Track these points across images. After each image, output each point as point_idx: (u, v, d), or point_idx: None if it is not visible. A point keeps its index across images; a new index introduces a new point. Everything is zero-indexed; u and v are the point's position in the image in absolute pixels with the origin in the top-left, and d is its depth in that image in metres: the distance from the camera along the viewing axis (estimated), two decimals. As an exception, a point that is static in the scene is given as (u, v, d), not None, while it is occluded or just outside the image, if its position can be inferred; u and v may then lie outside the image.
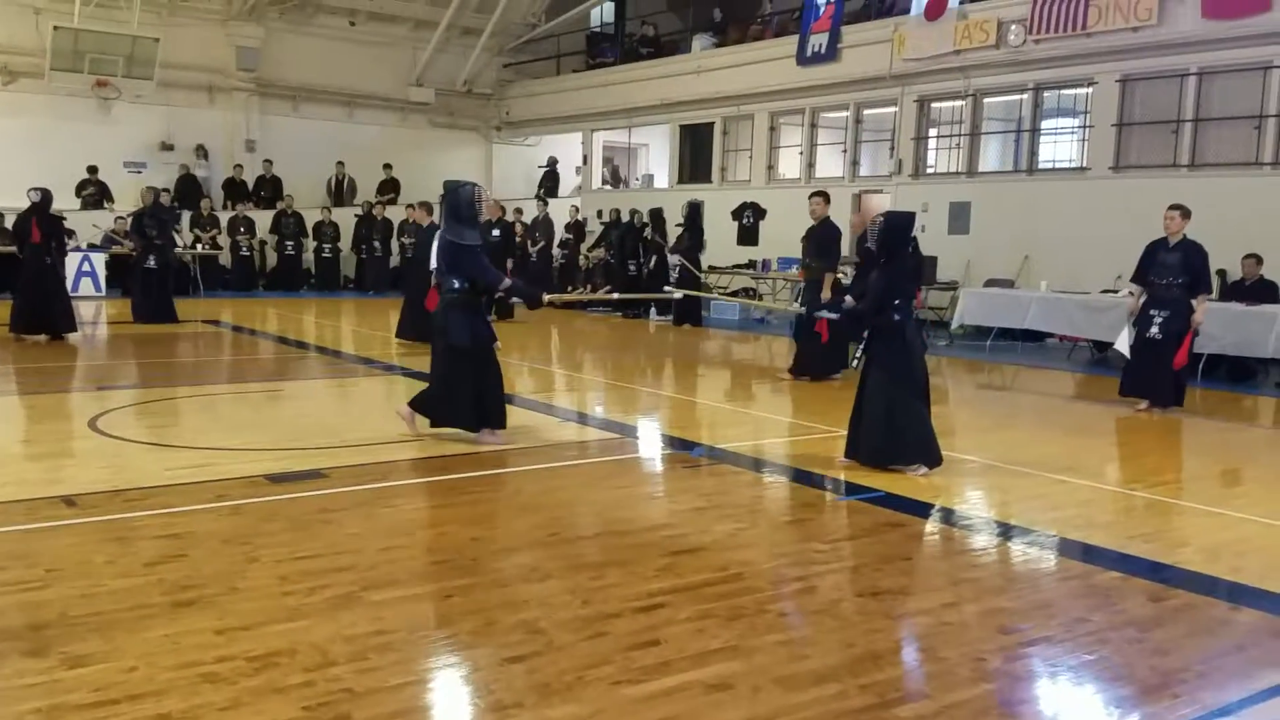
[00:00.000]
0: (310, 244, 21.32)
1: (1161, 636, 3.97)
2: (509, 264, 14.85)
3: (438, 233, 7.38)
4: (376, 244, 21.55)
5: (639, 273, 17.82)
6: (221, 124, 21.71)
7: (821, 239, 10.47)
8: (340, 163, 22.70)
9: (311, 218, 21.25)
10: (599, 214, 21.11)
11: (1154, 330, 9.03)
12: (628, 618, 3.95)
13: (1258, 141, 12.78)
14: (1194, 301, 8.87)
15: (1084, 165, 14.75)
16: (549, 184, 23.82)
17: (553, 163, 24.17)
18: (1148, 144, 13.99)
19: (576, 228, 20.84)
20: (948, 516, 5.78)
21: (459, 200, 6.96)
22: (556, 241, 20.70)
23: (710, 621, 3.94)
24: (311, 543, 4.81)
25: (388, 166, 23.05)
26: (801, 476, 6.62)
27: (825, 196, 10.80)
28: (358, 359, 11.85)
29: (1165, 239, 9.06)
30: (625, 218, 18.60)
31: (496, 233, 15.43)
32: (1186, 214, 9.00)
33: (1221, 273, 11.73)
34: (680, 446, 7.51)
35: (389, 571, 4.44)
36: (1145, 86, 13.97)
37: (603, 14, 25.39)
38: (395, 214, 21.36)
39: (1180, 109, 13.52)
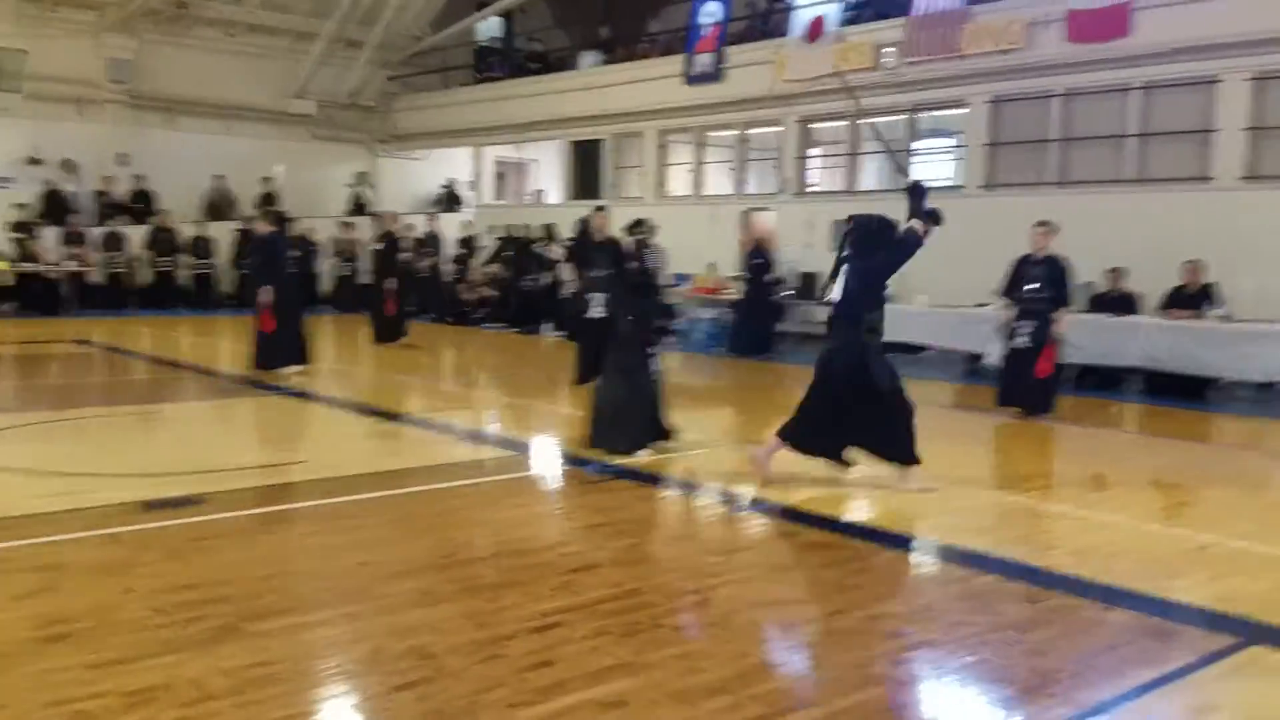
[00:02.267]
0: (186, 260, 20.59)
1: (1038, 638, 4.13)
2: (391, 281, 14.71)
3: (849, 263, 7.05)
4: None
5: (532, 289, 17.75)
6: (92, 137, 20.78)
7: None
8: (218, 176, 22.00)
9: (187, 233, 20.53)
10: (490, 230, 20.98)
11: (1022, 341, 9.44)
12: (522, 639, 3.91)
13: (1118, 160, 13.47)
14: (1055, 314, 9.31)
15: (958, 184, 15.31)
16: (450, 203, 23.57)
17: (451, 183, 23.93)
18: (1017, 163, 14.60)
19: (468, 243, 20.65)
20: (836, 525, 5.90)
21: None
22: (448, 257, 20.46)
23: (605, 639, 3.93)
24: (189, 572, 4.63)
25: (267, 179, 22.42)
26: (697, 489, 6.68)
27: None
28: (238, 379, 11.47)
29: (1031, 254, 9.48)
30: (519, 233, 18.58)
31: (379, 245, 15.26)
32: (1052, 230, 9.45)
33: (1088, 285, 12.30)
34: (577, 463, 7.49)
35: (271, 601, 4.30)
36: (1014, 107, 14.59)
37: (489, 29, 25.27)
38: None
39: (1047, 129, 14.16)
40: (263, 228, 11.91)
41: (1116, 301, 11.75)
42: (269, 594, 4.39)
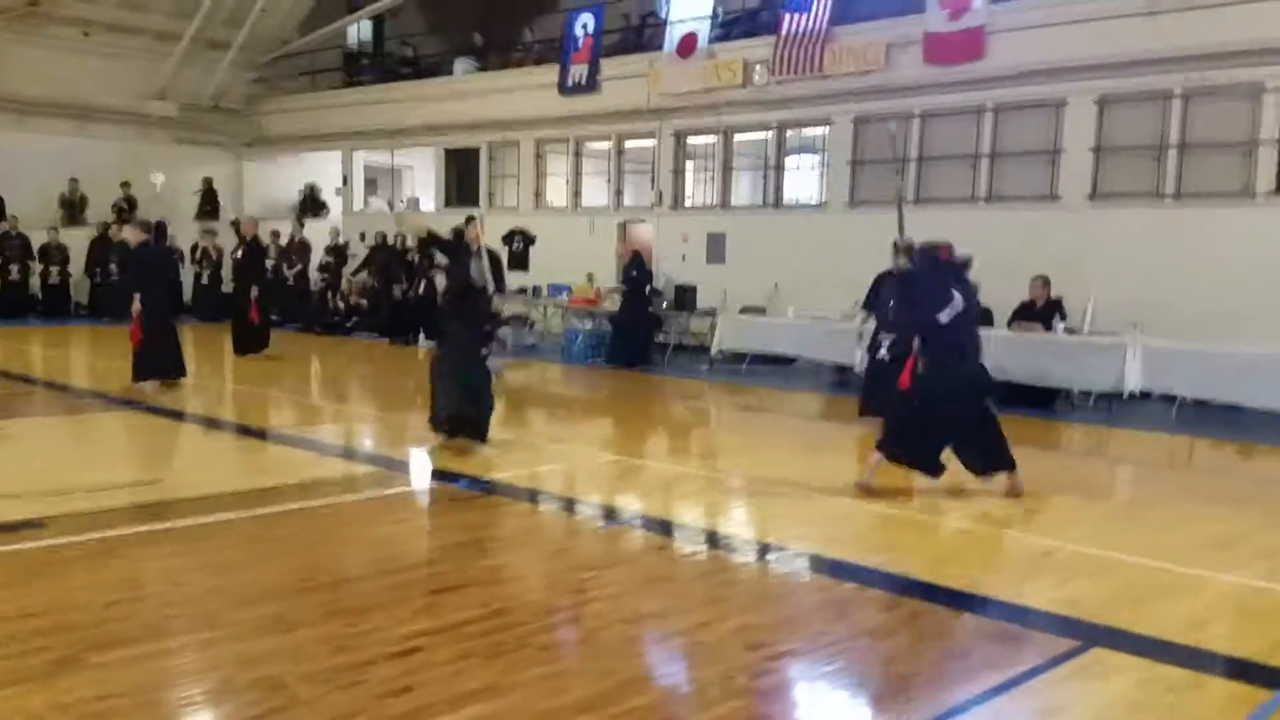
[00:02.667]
0: (37, 268, 19.52)
1: (894, 644, 4.27)
2: (254, 289, 14.28)
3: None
4: (113, 267, 19.98)
5: (404, 297, 17.45)
6: (-68, 139, 19.53)
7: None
8: (73, 180, 20.94)
9: (38, 240, 19.47)
10: (361, 236, 20.54)
11: (883, 354, 9.73)
12: (383, 664, 3.83)
13: (973, 179, 14.08)
14: None
15: (823, 200, 15.75)
16: (311, 208, 22.96)
17: (310, 188, 23.32)
18: (878, 180, 15.09)
19: (338, 251, 20.17)
20: (706, 537, 5.98)
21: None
22: (316, 265, 19.95)
23: (470, 661, 3.89)
24: (30, 600, 4.38)
25: (125, 184, 21.46)
26: (569, 505, 6.67)
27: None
28: (91, 394, 10.93)
29: (892, 269, 9.81)
30: (391, 240, 18.24)
31: (241, 252, 14.82)
32: (908, 247, 9.76)
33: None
34: (447, 479, 7.38)
35: (116, 629, 4.11)
36: (875, 127, 15.09)
37: (360, 32, 24.79)
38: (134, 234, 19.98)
39: (906, 148, 14.68)
40: (134, 236, 11.52)
41: (1047, 311, 12.14)
42: (115, 622, 4.19)
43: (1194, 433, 9.99)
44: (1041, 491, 7.67)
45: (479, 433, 8.11)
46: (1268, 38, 11.28)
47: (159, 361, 10.90)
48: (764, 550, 5.76)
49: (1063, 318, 11.50)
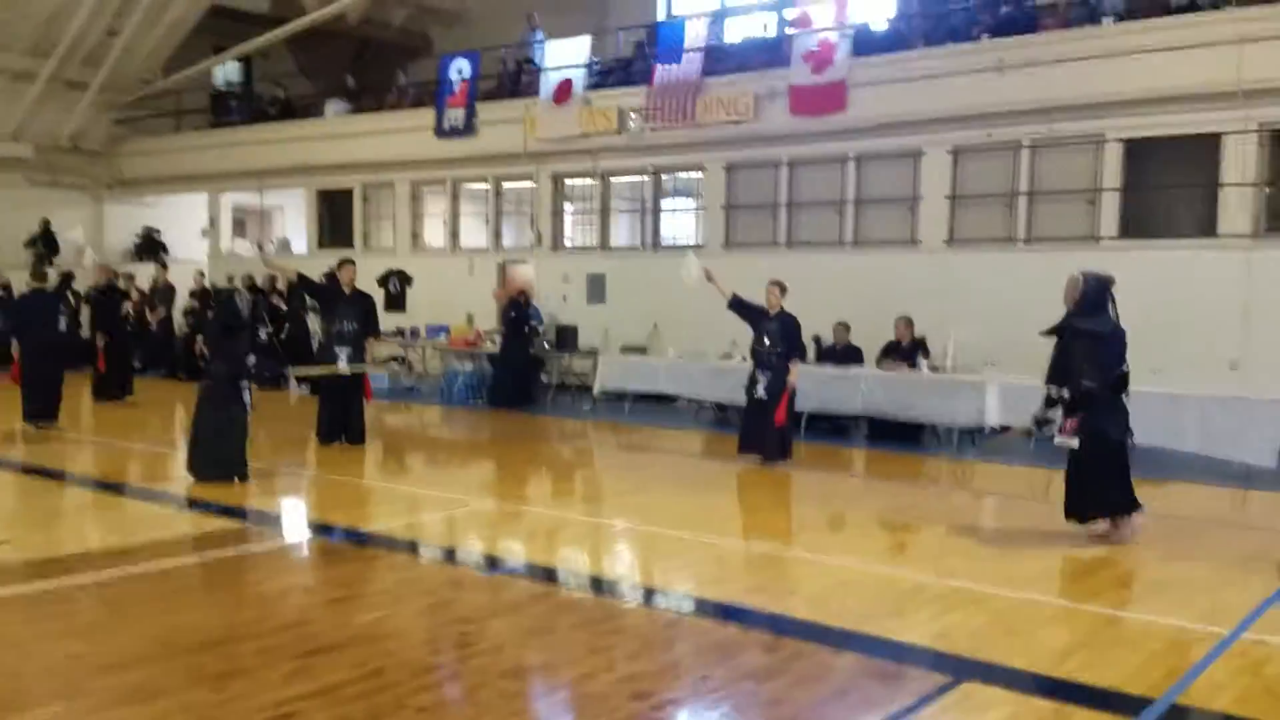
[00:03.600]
0: None
1: (775, 686, 4.33)
2: (100, 337, 14.00)
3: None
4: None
5: (270, 341, 16.90)
6: None
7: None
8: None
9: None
10: (229, 279, 19.86)
11: (760, 392, 9.99)
12: (253, 732, 3.68)
13: (839, 224, 14.58)
14: (789, 365, 9.95)
15: (699, 243, 16.06)
16: (148, 251, 22.07)
17: (148, 231, 22.48)
18: (751, 224, 15.50)
19: (203, 294, 19.44)
20: (590, 584, 5.96)
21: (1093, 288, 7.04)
22: (181, 309, 19.21)
23: (346, 725, 3.77)
24: None
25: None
26: (449, 555, 6.56)
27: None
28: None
29: (766, 310, 10.09)
30: (260, 283, 17.74)
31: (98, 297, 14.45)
32: (784, 289, 10.12)
33: (817, 338, 13.17)
34: (320, 532, 7.17)
35: (-38, 709, 3.84)
36: (747, 173, 15.52)
37: (226, 73, 24.17)
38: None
39: (776, 194, 15.13)
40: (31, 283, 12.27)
41: (843, 353, 12.62)
42: (-42, 702, 3.91)
43: (1050, 465, 10.46)
44: (912, 525, 7.93)
45: (239, 471, 8.42)
46: (1107, 92, 12.06)
47: (42, 407, 11.45)
48: (648, 595, 5.78)
49: (926, 356, 11.97)
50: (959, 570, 6.28)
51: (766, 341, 10.03)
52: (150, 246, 22.55)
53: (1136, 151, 12.36)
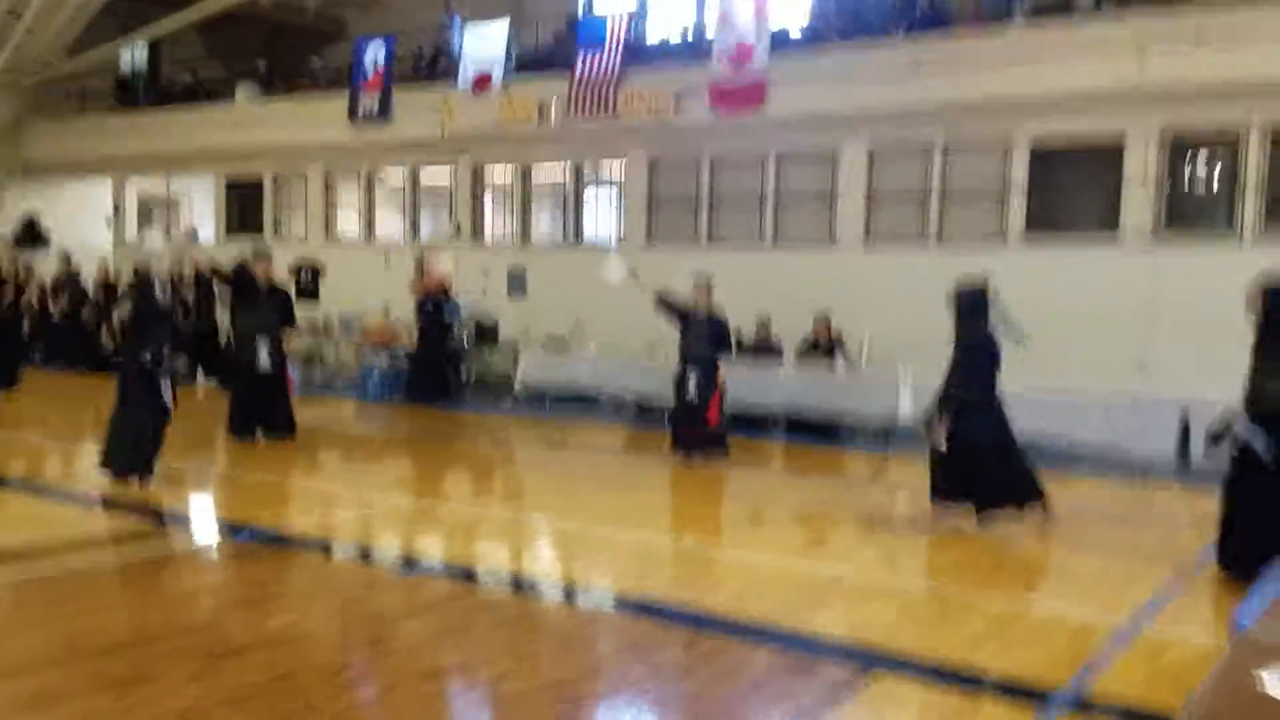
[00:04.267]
0: None
1: (694, 682, 4.35)
2: None
3: None
4: None
5: (179, 333, 16.42)
6: None
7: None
8: None
9: None
10: (135, 271, 19.20)
11: (690, 392, 9.93)
12: (158, 740, 3.56)
13: (760, 222, 14.72)
14: (718, 366, 9.93)
15: (621, 236, 16.05)
16: (29, 239, 21.19)
17: (29, 216, 21.61)
18: (674, 220, 15.54)
19: (110, 288, 18.77)
20: (509, 582, 5.91)
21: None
22: (90, 299, 18.52)
23: (255, 731, 3.67)
24: None
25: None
26: (364, 554, 6.44)
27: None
28: None
29: (694, 310, 10.05)
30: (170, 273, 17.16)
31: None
32: (710, 289, 10.04)
33: (737, 334, 13.26)
34: (229, 532, 6.98)
35: None
36: (669, 169, 15.55)
37: (135, 58, 23.34)
38: None
39: (698, 190, 15.19)
40: None
41: (764, 350, 12.74)
42: None
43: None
44: (829, 519, 8.04)
45: (141, 470, 8.11)
46: (1016, 94, 12.37)
47: None
48: (568, 593, 5.75)
49: (844, 354, 12.16)
50: (874, 563, 6.39)
51: (694, 342, 9.95)
52: (32, 234, 21.61)
53: (1042, 153, 12.71)
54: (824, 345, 12.32)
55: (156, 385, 8.18)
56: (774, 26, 14.34)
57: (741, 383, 11.88)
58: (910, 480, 10.30)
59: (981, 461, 7.24)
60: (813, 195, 14.31)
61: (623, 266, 10.28)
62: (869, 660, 4.63)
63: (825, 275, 13.55)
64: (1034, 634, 5.17)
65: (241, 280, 10.68)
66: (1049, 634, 5.15)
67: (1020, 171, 12.80)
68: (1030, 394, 10.84)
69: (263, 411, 10.50)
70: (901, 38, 13.43)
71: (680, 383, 10.09)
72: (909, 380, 11.37)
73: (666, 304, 10.15)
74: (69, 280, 18.35)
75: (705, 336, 9.98)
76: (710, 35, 14.90)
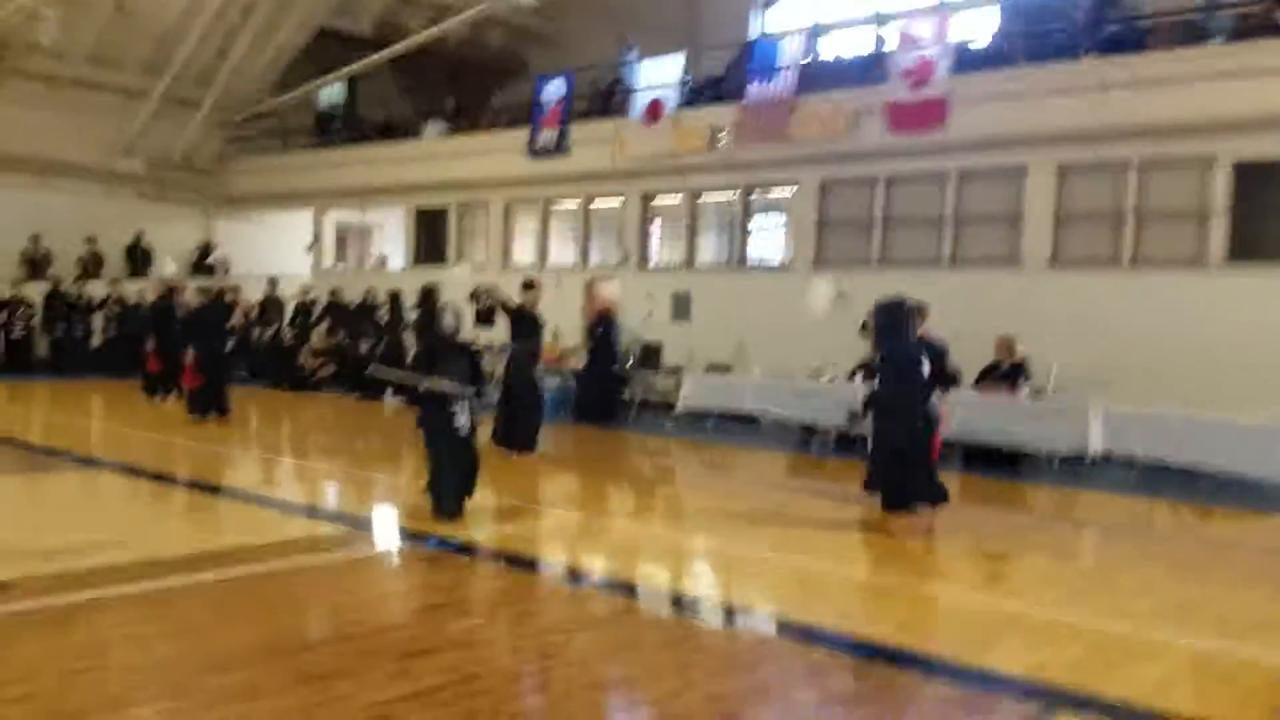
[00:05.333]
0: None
1: (862, 714, 4.28)
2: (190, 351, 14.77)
3: None
4: (78, 324, 19.89)
5: (371, 353, 17.40)
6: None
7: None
8: (35, 235, 20.82)
9: (2, 294, 19.31)
10: (332, 293, 20.50)
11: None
12: (353, 733, 3.79)
13: (938, 242, 14.38)
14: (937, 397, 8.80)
15: (788, 260, 15.98)
16: (205, 266, 22.76)
17: (208, 248, 23.17)
18: (844, 242, 15.37)
19: (306, 309, 20.08)
20: (678, 601, 5.97)
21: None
22: (287, 321, 19.87)
23: (440, 730, 3.85)
24: (-12, 670, 4.29)
25: (90, 240, 21.39)
26: (537, 565, 6.64)
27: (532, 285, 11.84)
28: (49, 451, 10.77)
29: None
30: (364, 298, 18.28)
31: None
32: (924, 312, 9.12)
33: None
34: (416, 539, 7.34)
35: (77, 699, 4.03)
36: (840, 190, 15.41)
37: (332, 94, 25.00)
38: (98, 290, 20.09)
39: (871, 211, 14.99)
40: (194, 299, 14.38)
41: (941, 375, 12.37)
42: (77, 691, 4.11)
43: (1154, 495, 10.14)
44: (1009, 554, 7.76)
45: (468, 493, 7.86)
46: (1218, 114, 11.69)
47: (212, 401, 13.23)
48: (733, 614, 5.76)
49: (1027, 380, 11.68)
50: (1055, 601, 6.12)
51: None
52: (204, 262, 23.15)
53: (1247, 173, 11.93)
54: (1005, 369, 11.86)
55: (450, 416, 7.61)
56: (956, 44, 14.04)
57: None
58: (1099, 516, 9.85)
59: (894, 464, 8.11)
60: (995, 216, 13.90)
61: (830, 291, 9.80)
62: (1051, 700, 4.44)
63: (1008, 298, 13.09)
64: (1226, 679, 4.85)
65: (520, 311, 11.62)
66: (1242, 679, 4.82)
67: (1222, 193, 12.06)
68: (1237, 426, 10.25)
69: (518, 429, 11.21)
70: (1090, 56, 12.91)
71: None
72: (1099, 409, 10.84)
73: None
74: (271, 304, 19.70)
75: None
76: (889, 53, 14.73)
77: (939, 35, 13.83)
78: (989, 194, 14.03)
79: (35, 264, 20.90)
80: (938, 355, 9.06)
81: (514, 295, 11.81)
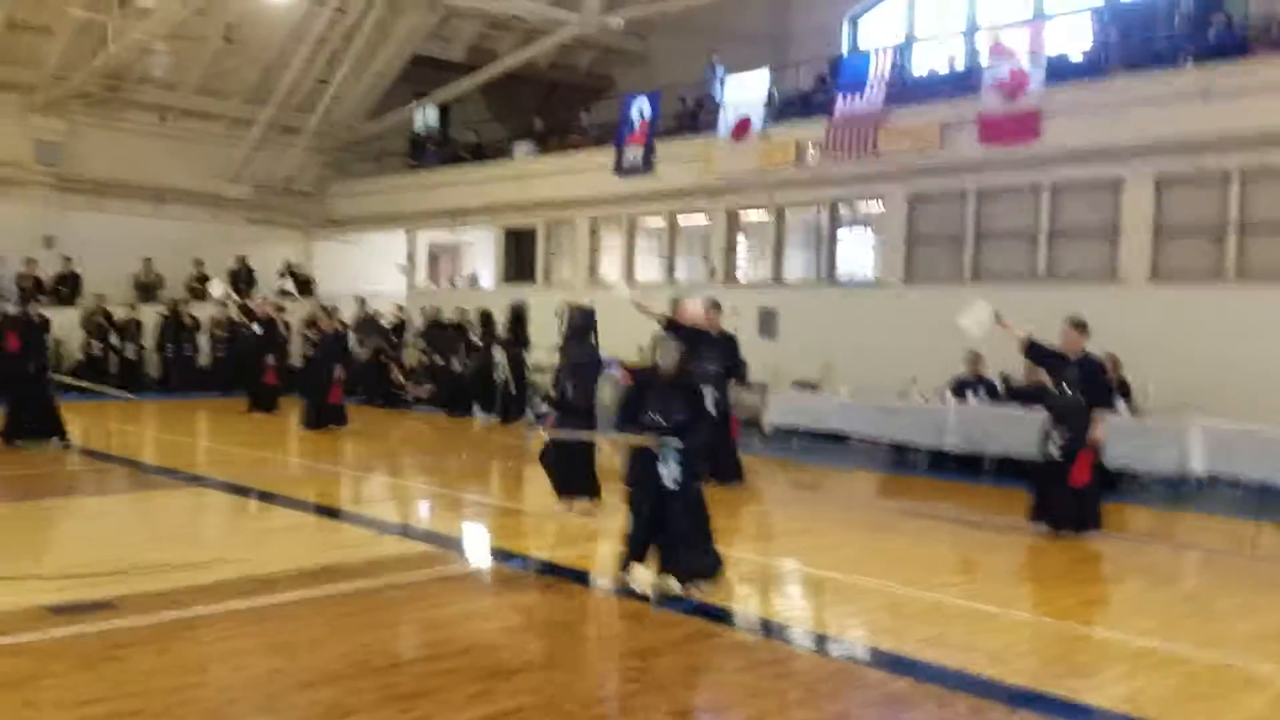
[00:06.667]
0: (115, 343, 20.28)
1: (946, 743, 4.22)
2: (269, 358, 16.76)
3: None
4: (187, 344, 20.78)
5: (463, 371, 17.79)
6: (15, 218, 20.46)
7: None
8: (147, 259, 21.83)
9: (119, 316, 20.27)
10: (422, 311, 21.01)
11: (1054, 450, 8.75)
12: (436, 753, 3.89)
13: (1033, 256, 14.06)
14: (1092, 418, 8.62)
15: (878, 276, 15.79)
16: (296, 286, 23.38)
17: (289, 266, 23.85)
18: (934, 257, 15.15)
19: (400, 328, 20.64)
20: (757, 625, 5.96)
21: None
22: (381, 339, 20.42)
23: (521, 752, 3.92)
24: (98, 685, 4.52)
25: (199, 263, 22.32)
26: (622, 587, 6.69)
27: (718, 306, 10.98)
28: (159, 469, 11.26)
29: (1065, 353, 8.87)
30: (451, 316, 18.71)
31: (259, 329, 17.14)
32: (1085, 329, 8.86)
33: (1005, 377, 12.71)
34: (502, 558, 7.47)
35: (180, 715, 4.22)
36: (931, 204, 15.19)
37: (426, 119, 25.66)
38: (206, 312, 20.96)
39: (963, 225, 14.74)
40: (327, 324, 15.78)
41: (1033, 394, 12.09)
42: (178, 708, 4.30)
43: (1259, 518, 9.72)
44: (1103, 579, 7.54)
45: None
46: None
47: (337, 414, 14.77)
48: (817, 640, 5.72)
49: (1126, 397, 11.32)
50: (1152, 630, 5.93)
51: (1066, 390, 8.78)
52: (296, 281, 23.65)
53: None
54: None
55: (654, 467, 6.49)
56: (1050, 54, 13.74)
57: (1008, 428, 11.38)
58: (1199, 538, 9.49)
59: (570, 459, 8.59)
60: (1091, 229, 13.55)
61: (987, 313, 9.48)
62: (1143, 735, 4.31)
63: (1105, 313, 12.63)
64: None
65: (692, 330, 10.50)
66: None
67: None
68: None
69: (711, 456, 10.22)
70: (1190, 65, 12.51)
71: (1044, 438, 8.91)
72: (1200, 428, 10.45)
73: (1039, 351, 9.09)
74: (367, 322, 20.27)
75: (1077, 384, 8.73)
76: (980, 65, 14.50)
77: (1033, 46, 13.54)
78: (1084, 207, 13.68)
79: (147, 287, 21.87)
80: (1092, 373, 8.81)
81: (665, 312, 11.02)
